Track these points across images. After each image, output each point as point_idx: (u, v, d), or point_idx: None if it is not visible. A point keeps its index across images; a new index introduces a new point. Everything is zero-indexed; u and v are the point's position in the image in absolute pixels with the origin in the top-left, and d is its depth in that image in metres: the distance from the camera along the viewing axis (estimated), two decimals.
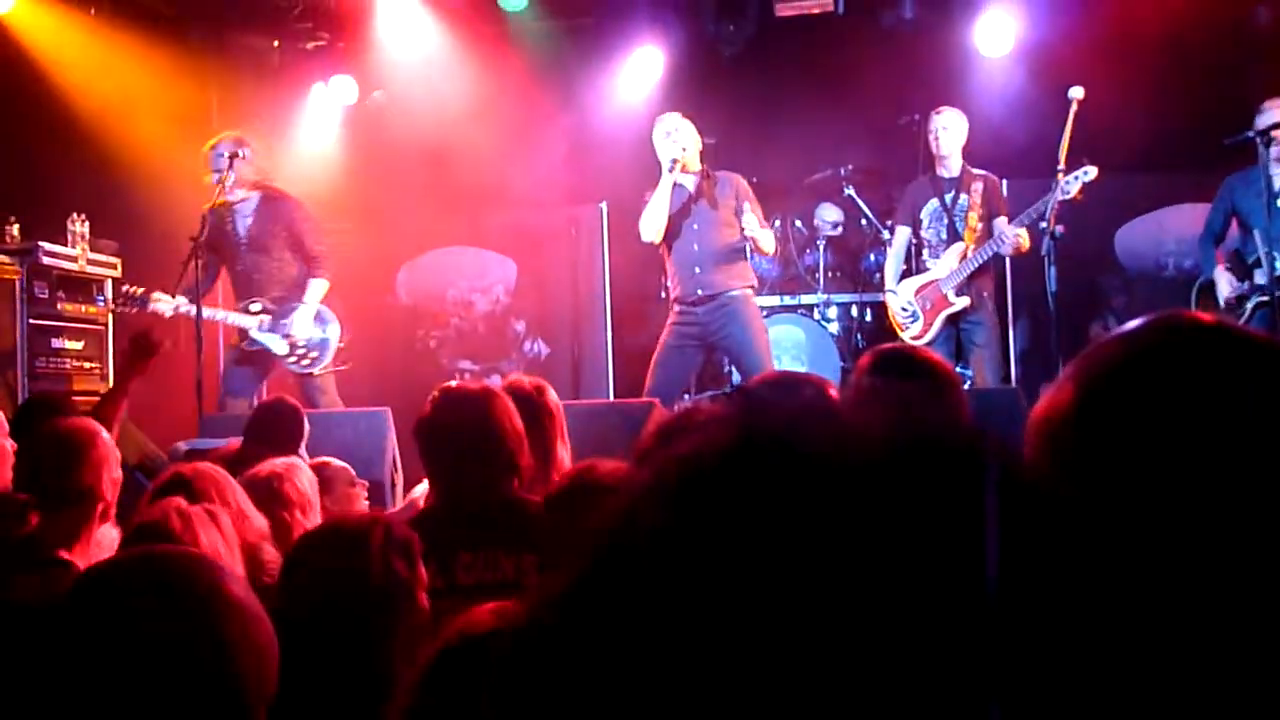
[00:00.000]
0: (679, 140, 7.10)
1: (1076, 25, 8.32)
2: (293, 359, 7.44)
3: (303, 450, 5.23)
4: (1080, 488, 1.02)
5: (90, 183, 8.56)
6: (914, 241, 7.72)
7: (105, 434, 3.55)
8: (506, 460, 3.44)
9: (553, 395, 4.18)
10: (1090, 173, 6.80)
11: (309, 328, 7.45)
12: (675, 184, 7.14)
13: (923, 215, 7.58)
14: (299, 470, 4.04)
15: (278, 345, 7.42)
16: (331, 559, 2.45)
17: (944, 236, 7.48)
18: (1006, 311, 8.30)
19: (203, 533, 2.67)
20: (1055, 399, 1.10)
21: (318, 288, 7.51)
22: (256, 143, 7.67)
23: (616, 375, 9.38)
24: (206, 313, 7.22)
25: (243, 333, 7.46)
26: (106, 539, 3.57)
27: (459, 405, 3.51)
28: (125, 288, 7.24)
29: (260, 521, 3.20)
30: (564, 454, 4.05)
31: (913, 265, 7.76)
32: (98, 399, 8.14)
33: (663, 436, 2.58)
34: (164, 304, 7.17)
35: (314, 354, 7.47)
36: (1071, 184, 6.79)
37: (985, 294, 7.41)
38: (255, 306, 7.42)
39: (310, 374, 7.46)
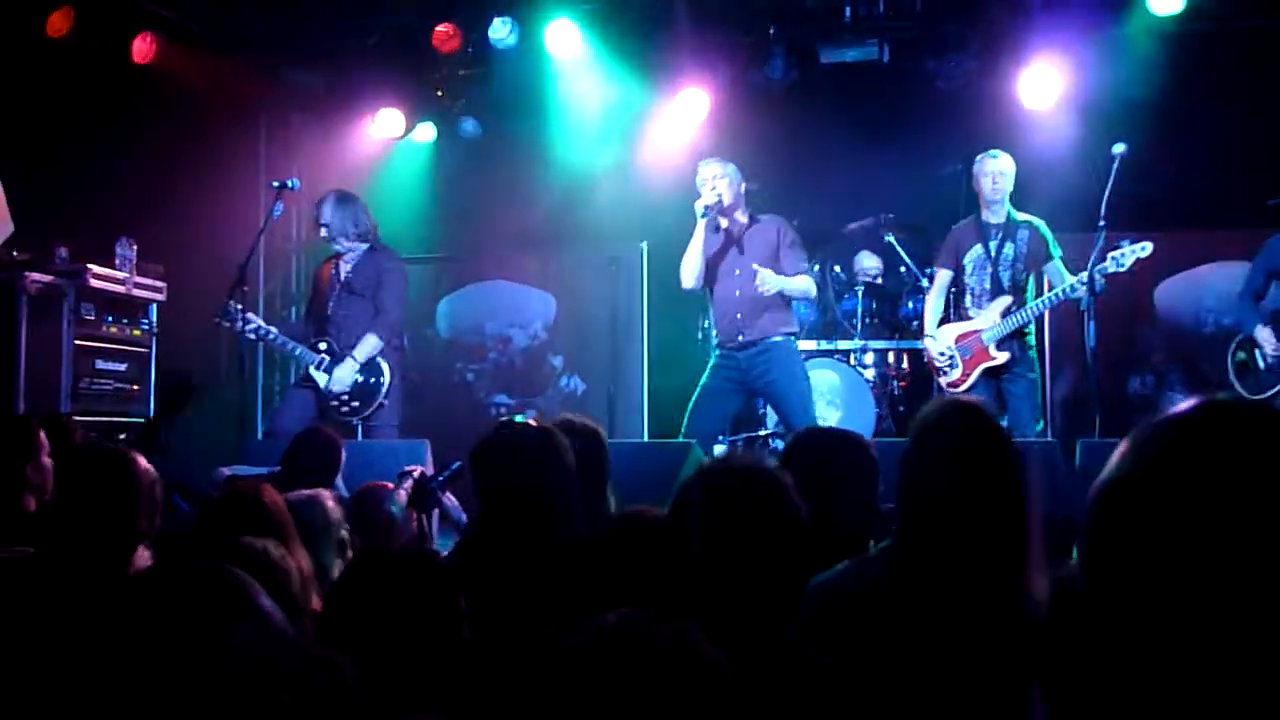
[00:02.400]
0: (717, 187, 7.13)
1: (1122, 81, 8.33)
2: (334, 403, 7.56)
3: (339, 480, 5.28)
4: (1140, 564, 1.10)
5: (139, 206, 8.69)
6: (955, 287, 7.69)
7: (144, 464, 3.58)
8: (557, 501, 3.46)
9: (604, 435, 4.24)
10: (1146, 249, 6.80)
11: (349, 377, 7.56)
12: (719, 228, 7.19)
13: (966, 261, 7.51)
14: (325, 500, 4.08)
15: (324, 384, 7.57)
16: (375, 596, 2.48)
17: (988, 286, 7.40)
18: (1045, 363, 8.29)
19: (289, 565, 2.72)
20: (1114, 476, 1.16)
21: (369, 343, 7.61)
22: (356, 198, 7.94)
23: (651, 414, 9.42)
24: (280, 341, 7.62)
25: (304, 368, 7.68)
26: (140, 560, 3.60)
27: (515, 440, 3.54)
28: (230, 302, 7.40)
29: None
30: (611, 497, 4.08)
31: (952, 310, 7.74)
32: (139, 421, 8.29)
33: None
34: (250, 325, 7.46)
35: (355, 403, 7.58)
36: (1126, 258, 6.80)
37: (1025, 346, 7.38)
38: (322, 345, 7.63)
39: (350, 422, 7.54)
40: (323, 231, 7.80)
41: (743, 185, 7.30)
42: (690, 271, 7.21)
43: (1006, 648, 2.63)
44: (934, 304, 7.71)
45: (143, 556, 3.58)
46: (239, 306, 7.41)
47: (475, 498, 3.69)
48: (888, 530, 3.68)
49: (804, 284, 7.20)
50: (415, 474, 5.15)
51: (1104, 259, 6.81)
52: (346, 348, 7.60)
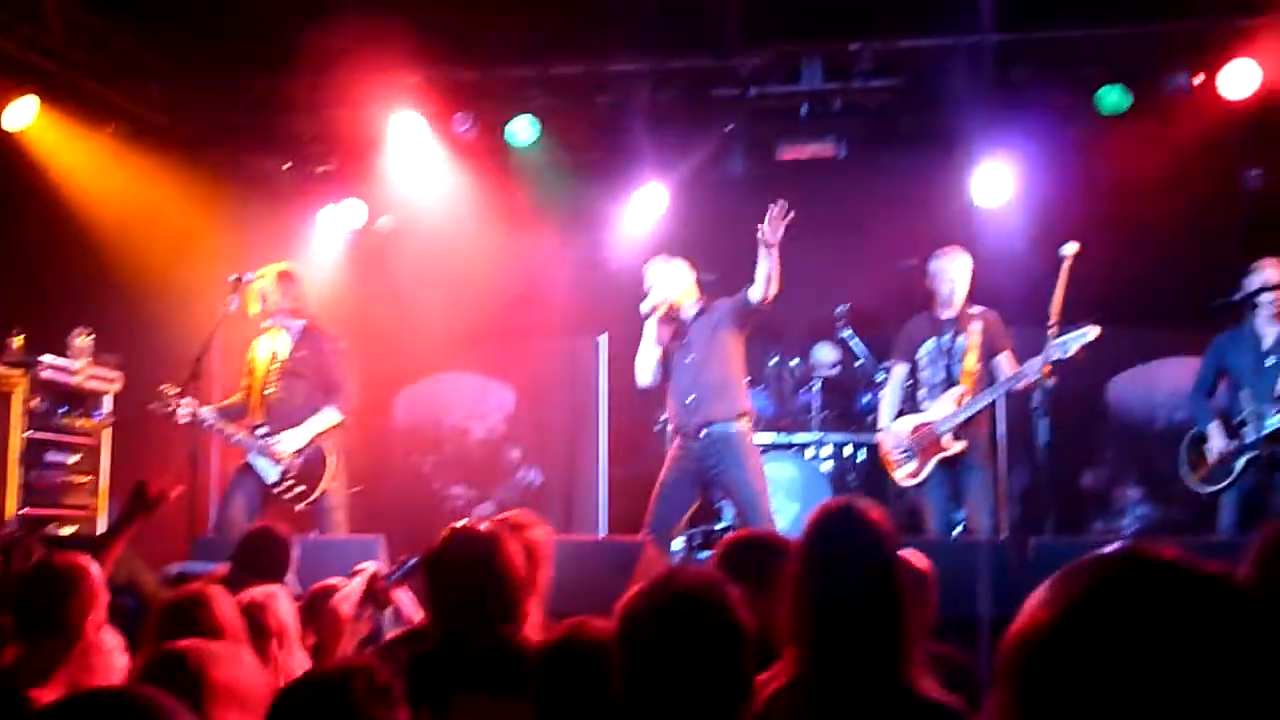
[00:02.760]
0: (660, 289, 7.18)
1: (1072, 181, 8.51)
2: (280, 489, 7.44)
3: (290, 577, 5.22)
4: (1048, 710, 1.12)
5: (96, 297, 8.67)
6: (910, 380, 7.73)
7: (96, 571, 3.56)
8: (509, 606, 3.45)
9: (538, 534, 4.22)
10: (1091, 333, 6.86)
11: (295, 457, 7.44)
12: (673, 318, 7.23)
13: (920, 355, 7.57)
14: (278, 599, 4.04)
15: (270, 473, 7.44)
16: (313, 713, 2.46)
17: (941, 378, 7.46)
18: (1000, 457, 8.32)
19: (223, 670, 2.68)
20: (1029, 624, 1.18)
21: (327, 416, 7.54)
22: (299, 276, 7.85)
23: (611, 506, 9.38)
24: (218, 427, 7.44)
25: (244, 457, 7.51)
26: (117, 666, 3.55)
27: (467, 547, 3.52)
28: (163, 388, 7.29)
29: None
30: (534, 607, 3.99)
31: (907, 405, 7.77)
32: (85, 510, 8.20)
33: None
34: (183, 410, 7.24)
35: (300, 488, 7.46)
36: (1071, 343, 6.85)
37: (981, 438, 7.40)
38: (261, 430, 7.50)
39: (293, 508, 7.41)
40: (258, 308, 7.63)
41: (691, 277, 7.33)
42: (645, 369, 7.25)
43: None
44: (889, 399, 7.74)
45: (119, 663, 3.52)
46: (174, 392, 7.27)
47: (425, 604, 3.68)
48: None
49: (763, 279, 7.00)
50: (368, 572, 5.09)
51: (1051, 350, 6.87)
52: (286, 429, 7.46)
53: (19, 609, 3.48)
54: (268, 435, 7.47)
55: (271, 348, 7.70)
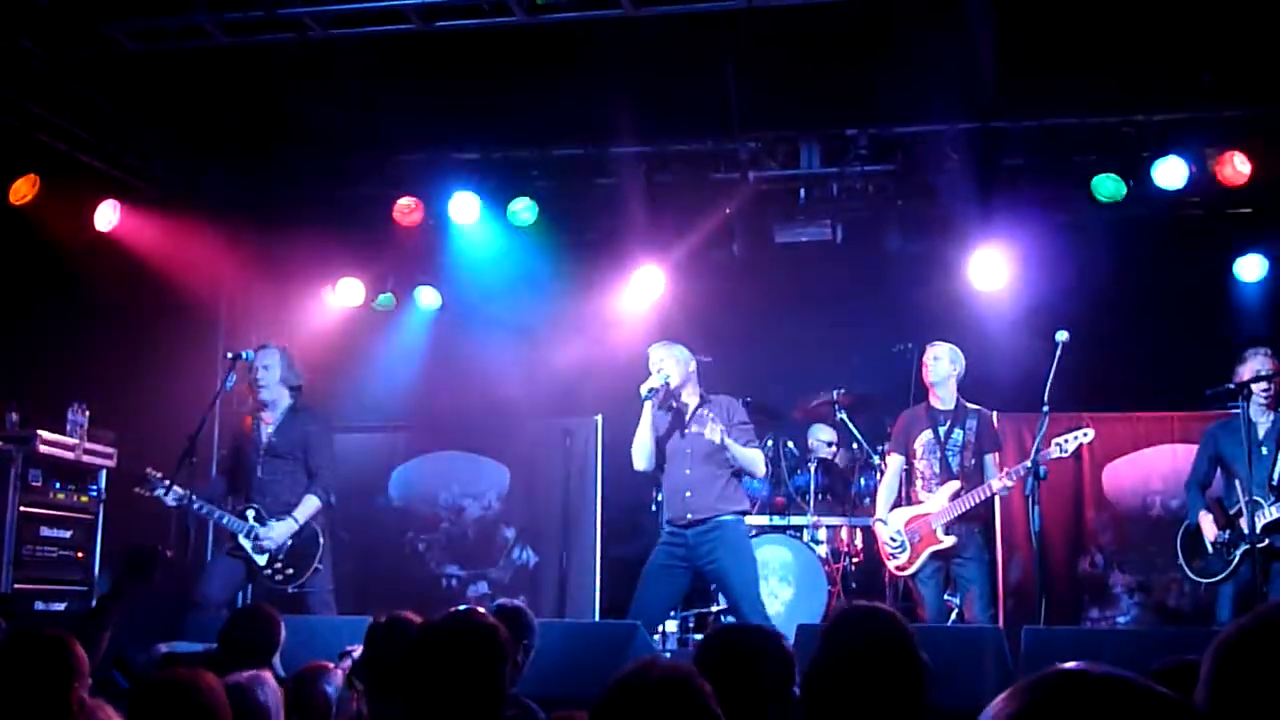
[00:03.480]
0: (663, 370, 7.17)
1: (1066, 269, 8.57)
2: (269, 571, 7.44)
3: (276, 659, 5.17)
4: None
5: (93, 372, 8.69)
6: (906, 470, 7.77)
7: (79, 650, 3.55)
8: (493, 702, 3.39)
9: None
10: (1088, 435, 7.05)
11: (285, 541, 7.44)
12: (671, 408, 7.23)
13: (916, 445, 7.63)
14: (264, 682, 4.02)
15: (259, 557, 7.43)
16: None
17: (937, 470, 7.52)
18: (995, 545, 8.33)
19: None
20: None
21: (309, 504, 7.53)
22: (293, 356, 7.86)
23: (604, 586, 9.34)
24: (203, 512, 7.41)
25: (232, 536, 7.49)
26: None
27: (459, 633, 3.46)
28: (149, 470, 7.31)
29: None
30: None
31: (903, 494, 7.79)
32: (78, 590, 8.17)
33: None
34: (172, 495, 7.24)
35: (289, 570, 7.46)
36: (1069, 444, 7.01)
37: (975, 530, 7.46)
38: (250, 513, 7.47)
39: (284, 590, 7.40)
40: (262, 380, 7.63)
41: (692, 365, 7.33)
42: (641, 453, 7.24)
43: None
44: (886, 489, 7.81)
45: None
46: (159, 475, 7.26)
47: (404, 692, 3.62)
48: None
49: (753, 455, 7.19)
50: (355, 653, 5.06)
51: (1049, 445, 6.96)
52: (276, 513, 7.47)
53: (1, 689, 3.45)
54: (256, 518, 7.46)
55: (260, 427, 7.69)
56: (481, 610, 3.83)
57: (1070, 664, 1.24)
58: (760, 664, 3.44)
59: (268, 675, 4.22)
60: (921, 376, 7.74)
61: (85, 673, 3.60)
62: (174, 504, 7.27)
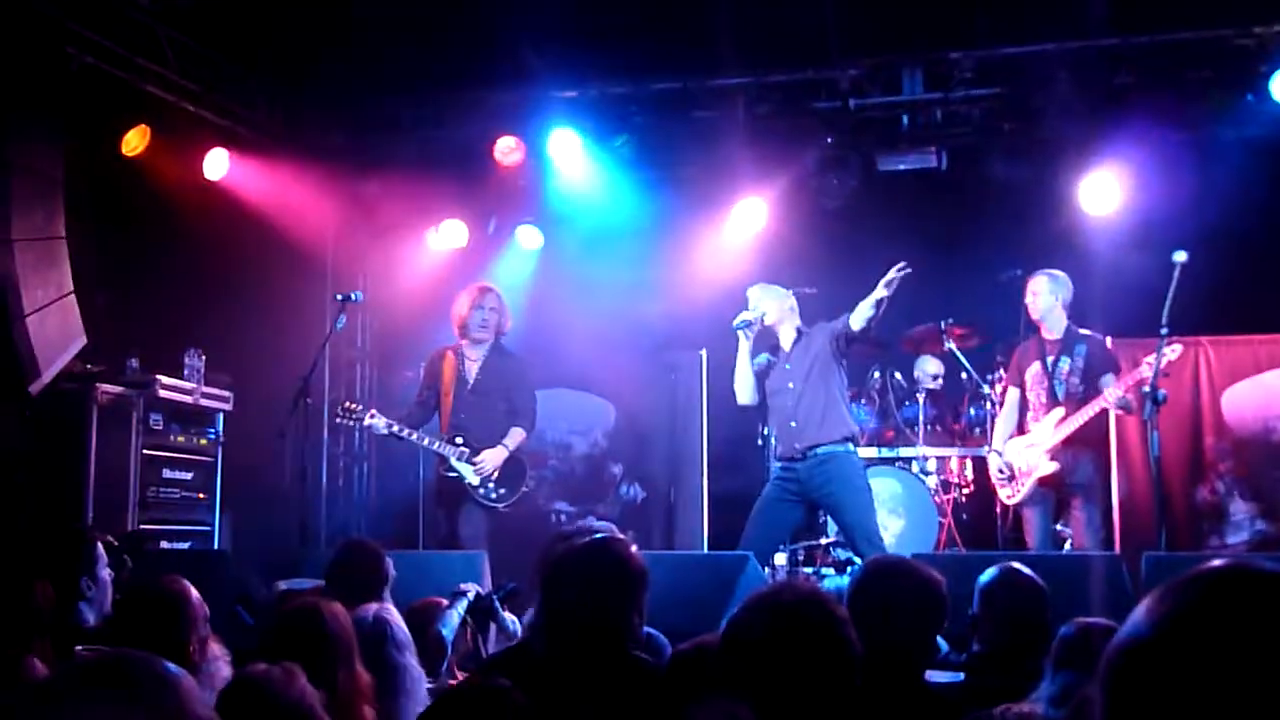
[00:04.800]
0: (759, 306, 7.22)
1: (1181, 189, 8.30)
2: (482, 491, 7.73)
3: (387, 594, 5.18)
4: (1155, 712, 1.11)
5: (209, 318, 8.87)
6: (1021, 402, 7.71)
7: (195, 599, 3.62)
8: (624, 621, 3.39)
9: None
10: (1176, 350, 6.84)
11: (498, 465, 7.76)
12: (774, 349, 7.23)
13: (1027, 377, 7.60)
14: (385, 617, 4.07)
15: (470, 475, 7.72)
16: None
17: (1044, 400, 7.48)
18: (1111, 472, 8.17)
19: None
20: (1132, 634, 1.17)
21: (516, 434, 7.87)
22: (501, 297, 8.13)
23: (711, 520, 9.37)
24: (413, 437, 7.82)
25: (443, 460, 7.79)
26: (221, 676, 3.60)
27: (584, 559, 3.47)
28: (344, 404, 7.89)
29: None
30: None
31: (1020, 426, 7.71)
32: (201, 529, 8.41)
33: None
34: (378, 422, 7.70)
35: (502, 490, 7.79)
36: (1160, 363, 6.79)
37: (1085, 457, 7.38)
38: (459, 439, 7.80)
39: (496, 508, 7.77)
40: (487, 320, 7.91)
41: (790, 301, 7.34)
42: (743, 388, 7.29)
43: None
44: (1002, 422, 7.82)
45: (223, 672, 3.58)
46: (359, 406, 7.77)
47: (540, 614, 3.62)
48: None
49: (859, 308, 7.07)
50: (469, 593, 5.11)
51: (1140, 367, 6.88)
52: (477, 448, 7.75)
53: (119, 635, 3.54)
54: (466, 449, 7.77)
55: (464, 364, 7.97)
56: (620, 536, 3.84)
57: (1221, 560, 1.20)
58: (915, 608, 3.43)
59: (391, 609, 4.28)
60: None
61: (202, 619, 3.67)
62: (384, 432, 7.74)
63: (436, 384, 7.99)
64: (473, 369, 7.95)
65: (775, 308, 7.25)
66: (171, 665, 1.60)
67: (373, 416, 7.71)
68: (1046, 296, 7.49)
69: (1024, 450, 7.47)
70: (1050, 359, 7.49)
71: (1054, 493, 7.39)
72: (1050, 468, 7.31)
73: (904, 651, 3.42)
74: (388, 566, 5.15)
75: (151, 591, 3.67)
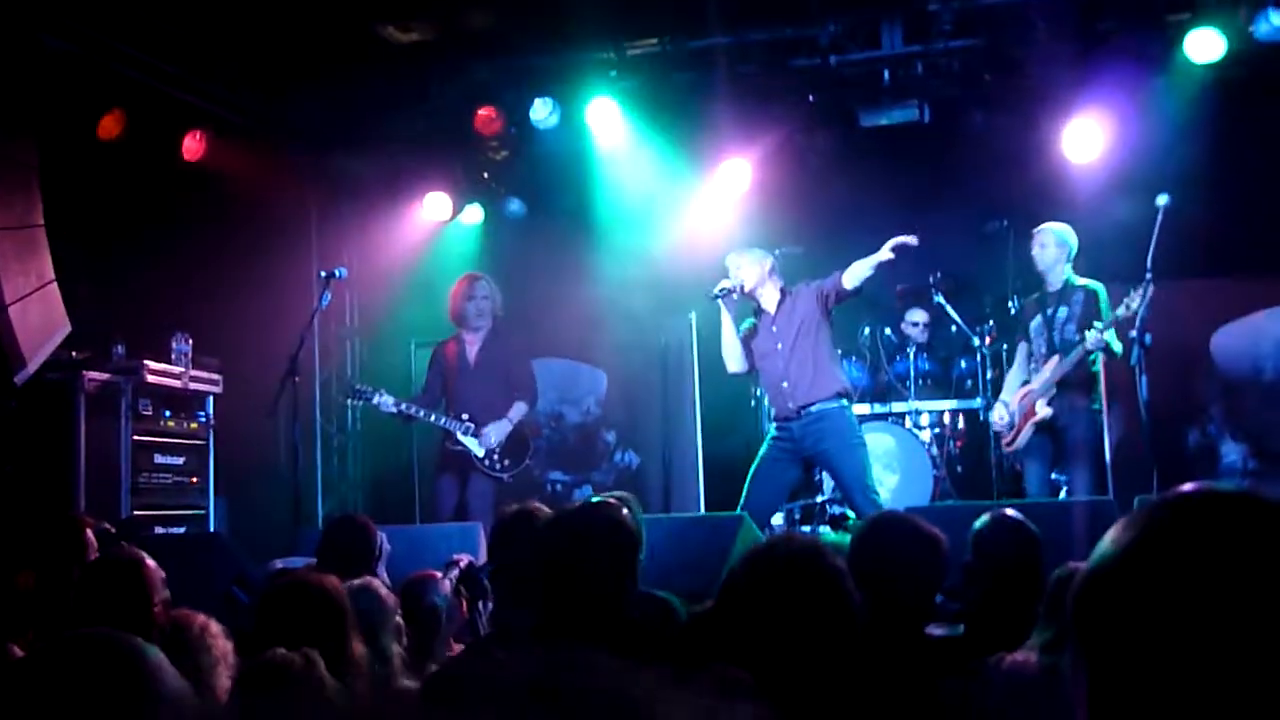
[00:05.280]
0: (738, 274, 7.22)
1: (1167, 132, 8.26)
2: (488, 462, 8.05)
3: (381, 569, 5.17)
4: (1123, 638, 1.11)
5: (194, 301, 8.84)
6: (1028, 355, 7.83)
7: (151, 568, 3.60)
8: (620, 585, 3.37)
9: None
10: (1148, 288, 6.81)
11: (502, 438, 8.10)
12: (757, 311, 7.22)
13: (1030, 330, 7.73)
14: (376, 589, 4.08)
15: (476, 448, 8.05)
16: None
17: (1044, 350, 7.60)
18: (1103, 419, 8.17)
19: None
20: (1097, 565, 1.16)
21: (519, 409, 8.24)
22: (492, 282, 8.46)
23: (707, 485, 9.37)
24: (420, 413, 8.15)
25: (448, 434, 8.09)
26: (222, 651, 3.58)
27: (577, 525, 3.46)
28: (355, 385, 8.42)
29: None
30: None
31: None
32: (195, 514, 8.40)
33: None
34: (387, 400, 8.00)
35: (506, 460, 8.12)
36: (1134, 301, 6.84)
37: (1081, 402, 7.43)
38: (465, 415, 8.14)
39: (501, 479, 8.06)
40: (482, 309, 8.26)
41: (768, 263, 7.33)
42: (731, 356, 7.33)
43: None
44: (1012, 374, 7.94)
45: (226, 648, 3.57)
46: (369, 388, 8.10)
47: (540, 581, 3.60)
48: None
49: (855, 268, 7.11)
50: (462, 564, 5.10)
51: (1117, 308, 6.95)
52: (485, 420, 8.09)
53: (82, 607, 3.53)
54: (474, 422, 8.11)
55: (464, 349, 8.32)
56: (613, 500, 3.83)
57: (1190, 485, 1.19)
58: (916, 563, 3.43)
59: (376, 583, 4.28)
60: (1020, 255, 7.67)
61: (159, 583, 3.64)
62: (392, 410, 8.04)
63: (441, 372, 8.34)
64: (473, 351, 8.30)
65: (754, 273, 7.24)
66: (136, 640, 1.59)
67: (381, 396, 8.00)
68: (1053, 250, 7.58)
69: (1023, 398, 7.59)
70: (1050, 310, 7.58)
71: (1050, 440, 7.45)
72: (1045, 412, 7.41)
73: (904, 605, 3.43)
74: (380, 541, 5.16)
75: (107, 564, 3.66)
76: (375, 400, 8.01)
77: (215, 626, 3.63)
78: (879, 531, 3.74)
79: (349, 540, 5.10)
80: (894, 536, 3.64)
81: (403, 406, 8.07)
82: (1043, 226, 7.66)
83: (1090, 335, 7.13)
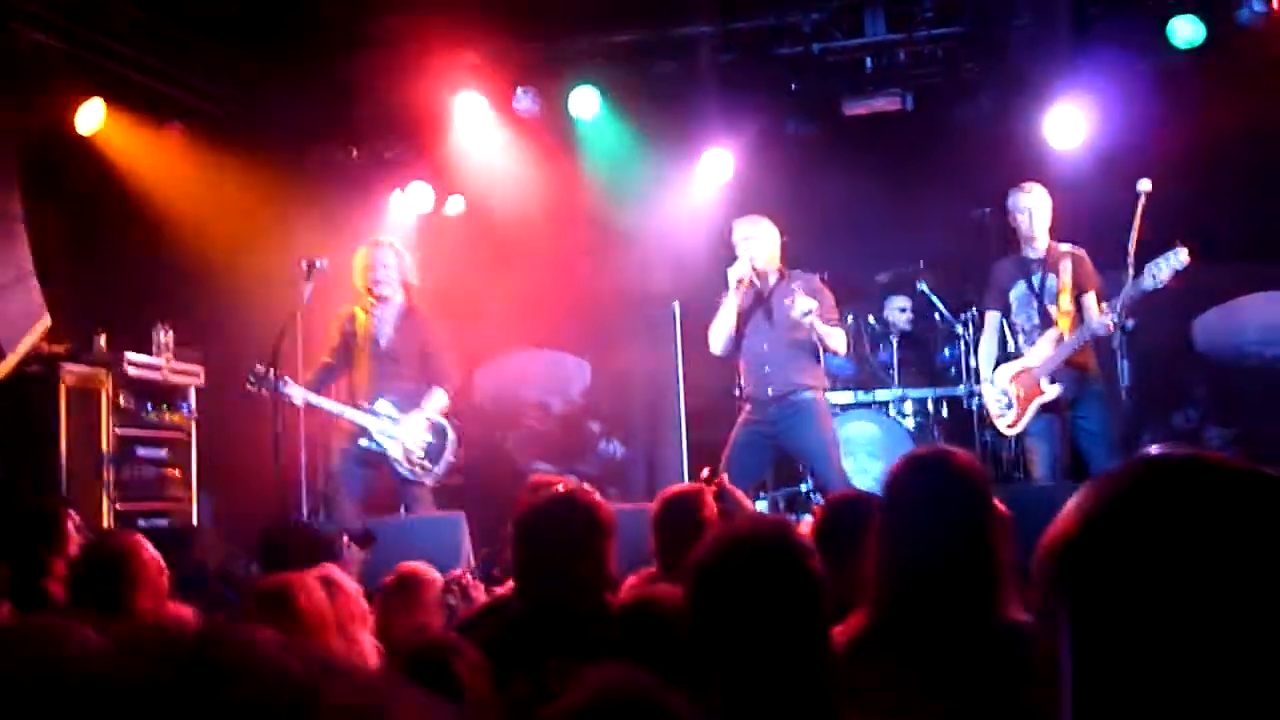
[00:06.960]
0: (747, 250, 7.10)
1: (1150, 118, 8.27)
2: (405, 465, 7.40)
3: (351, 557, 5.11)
4: (1081, 606, 1.14)
5: (174, 293, 8.79)
6: (1005, 325, 7.47)
7: (149, 548, 3.59)
8: (599, 567, 3.40)
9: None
10: (1181, 255, 6.49)
11: (421, 434, 7.41)
12: (751, 284, 7.16)
13: (1011, 299, 7.31)
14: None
15: (393, 448, 7.39)
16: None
17: (1036, 321, 7.18)
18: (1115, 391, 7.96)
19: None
20: (1060, 527, 1.19)
21: (438, 398, 7.51)
22: (406, 253, 7.76)
23: (693, 474, 9.34)
24: (329, 406, 7.43)
25: (360, 431, 7.41)
26: None
27: (561, 504, 3.48)
28: (258, 367, 7.27)
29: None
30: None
31: (1002, 352, 7.50)
32: (180, 503, 8.36)
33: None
34: (294, 390, 7.29)
35: (427, 463, 7.45)
36: (1162, 270, 6.50)
37: (1089, 378, 7.08)
38: (382, 405, 7.39)
39: (424, 482, 7.43)
40: (382, 278, 7.50)
41: (778, 240, 7.28)
42: (720, 338, 7.21)
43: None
44: (986, 348, 7.48)
45: None
46: (272, 369, 7.20)
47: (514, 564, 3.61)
48: None
49: (836, 332, 7.10)
50: (461, 578, 5.05)
51: (1142, 278, 6.55)
52: (399, 411, 7.39)
53: (72, 588, 3.52)
54: (390, 416, 7.39)
55: (378, 326, 7.57)
56: (586, 488, 3.83)
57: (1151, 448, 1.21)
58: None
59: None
60: (1005, 230, 7.46)
61: (155, 573, 3.62)
62: (295, 401, 7.31)
63: (349, 342, 7.57)
64: (385, 330, 7.54)
65: (766, 246, 7.17)
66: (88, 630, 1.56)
67: (288, 385, 7.26)
68: (1045, 211, 7.21)
69: (1020, 376, 7.15)
70: (1036, 277, 7.20)
71: (1059, 418, 7.07)
72: (1053, 391, 6.99)
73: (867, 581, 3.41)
74: (332, 546, 5.05)
75: (96, 550, 3.65)
76: (281, 389, 7.15)
77: None
78: (840, 508, 3.75)
79: (290, 548, 4.92)
80: (855, 512, 3.64)
81: (311, 399, 7.35)
82: (1028, 186, 7.28)
83: (1106, 319, 6.72)
